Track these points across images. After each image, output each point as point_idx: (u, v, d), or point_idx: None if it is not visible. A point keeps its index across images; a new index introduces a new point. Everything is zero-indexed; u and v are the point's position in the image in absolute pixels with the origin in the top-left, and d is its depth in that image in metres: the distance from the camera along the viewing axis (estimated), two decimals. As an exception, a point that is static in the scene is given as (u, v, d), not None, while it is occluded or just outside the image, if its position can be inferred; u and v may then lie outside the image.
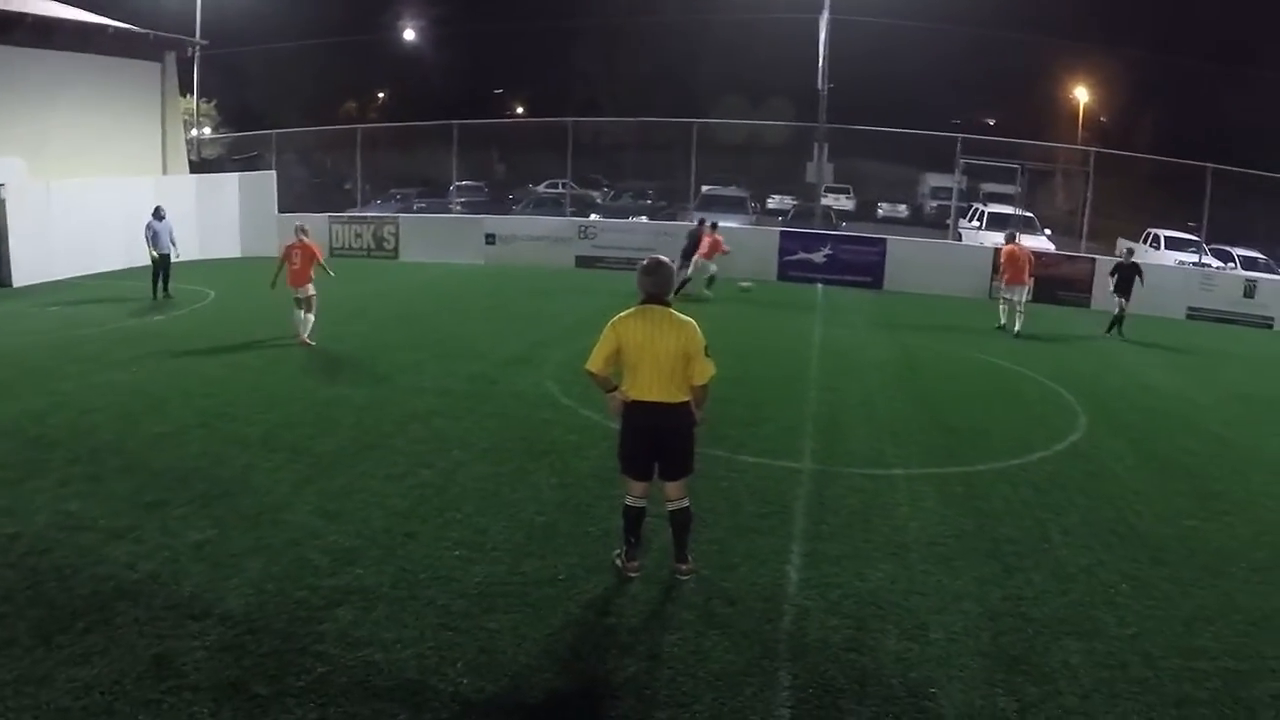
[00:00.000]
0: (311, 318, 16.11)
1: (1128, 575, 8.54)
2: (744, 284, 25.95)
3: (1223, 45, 50.44)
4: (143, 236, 20.85)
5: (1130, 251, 24.26)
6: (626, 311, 7.53)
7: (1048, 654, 6.96)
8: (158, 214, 20.94)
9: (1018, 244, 23.66)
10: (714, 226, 26.13)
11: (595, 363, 7.41)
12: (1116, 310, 23.15)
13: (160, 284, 20.82)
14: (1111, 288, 23.35)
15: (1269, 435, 14.13)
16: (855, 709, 6.10)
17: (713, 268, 25.45)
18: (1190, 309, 26.35)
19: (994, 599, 7.82)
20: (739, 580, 7.79)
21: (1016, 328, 22.05)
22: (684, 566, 7.68)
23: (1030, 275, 23.31)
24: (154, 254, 20.72)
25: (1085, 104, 59.89)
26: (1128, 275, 23.10)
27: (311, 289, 16.11)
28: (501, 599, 7.20)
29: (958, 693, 6.37)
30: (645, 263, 7.60)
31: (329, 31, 54.07)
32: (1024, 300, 22.63)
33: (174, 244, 21.14)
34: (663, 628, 6.99)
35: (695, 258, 25.08)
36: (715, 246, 25.41)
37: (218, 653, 6.21)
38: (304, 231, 16.83)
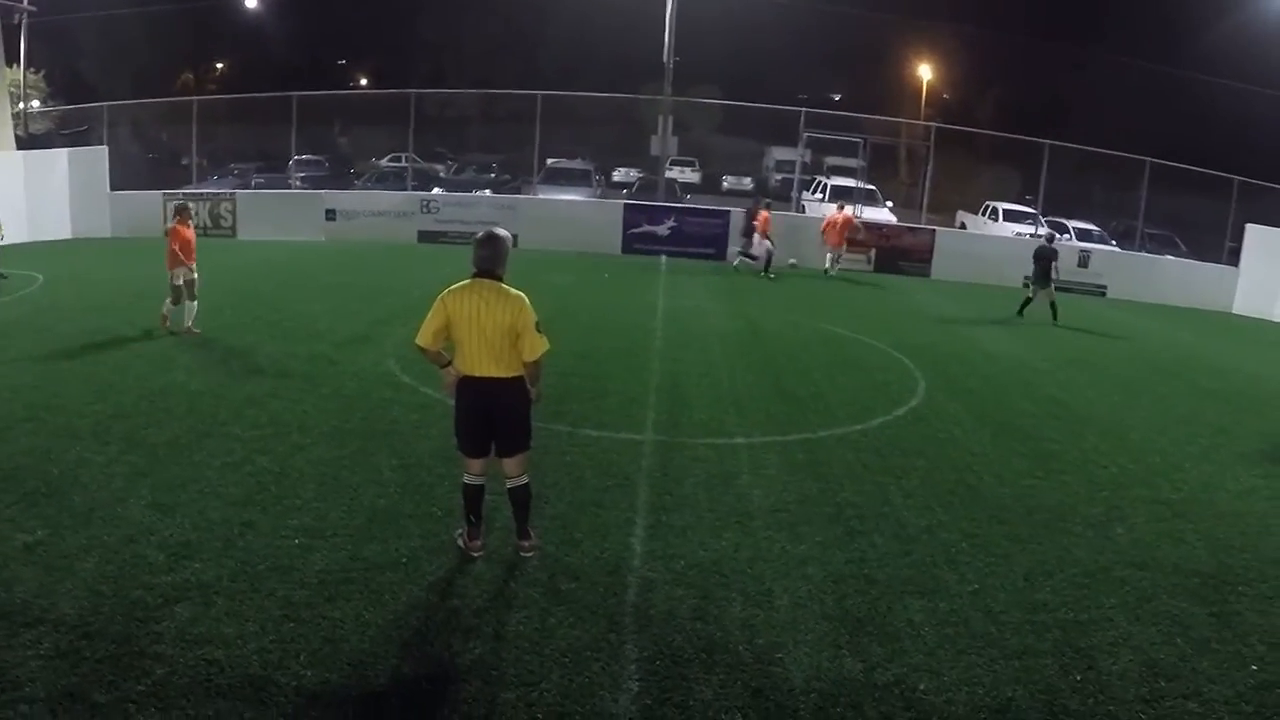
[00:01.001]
0: (195, 304, 15.60)
1: (968, 534, 8.90)
2: (792, 261, 26.57)
3: (1060, 24, 52.42)
4: None
5: (1052, 237, 24.01)
6: (456, 285, 7.46)
7: (892, 614, 7.20)
8: None
9: (840, 213, 27.44)
10: (768, 205, 27.20)
11: (424, 337, 7.34)
12: (1030, 294, 23.16)
13: None
14: (1031, 276, 23.42)
15: (1101, 397, 14.85)
16: (703, 677, 6.22)
17: (769, 245, 26.44)
18: (1026, 278, 27.40)
19: (838, 563, 8.05)
20: (583, 555, 7.87)
21: (833, 271, 27.16)
22: (526, 544, 7.70)
23: (843, 240, 27.40)
24: None
25: (929, 81, 61.46)
26: (1045, 262, 22.83)
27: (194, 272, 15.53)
28: (344, 586, 7.13)
29: (804, 656, 6.54)
30: (479, 235, 7.53)
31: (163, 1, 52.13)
32: (838, 258, 27.58)
33: None
34: (507, 606, 7.02)
35: (756, 236, 26.20)
36: (767, 224, 26.56)
37: (53, 660, 5.99)
38: (185, 212, 16.22)
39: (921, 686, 6.28)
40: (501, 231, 7.56)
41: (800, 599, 7.36)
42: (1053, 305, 22.57)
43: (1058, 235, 25.16)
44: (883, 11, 52.63)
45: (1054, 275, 22.85)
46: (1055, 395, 14.77)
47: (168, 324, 15.44)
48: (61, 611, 6.59)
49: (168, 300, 15.46)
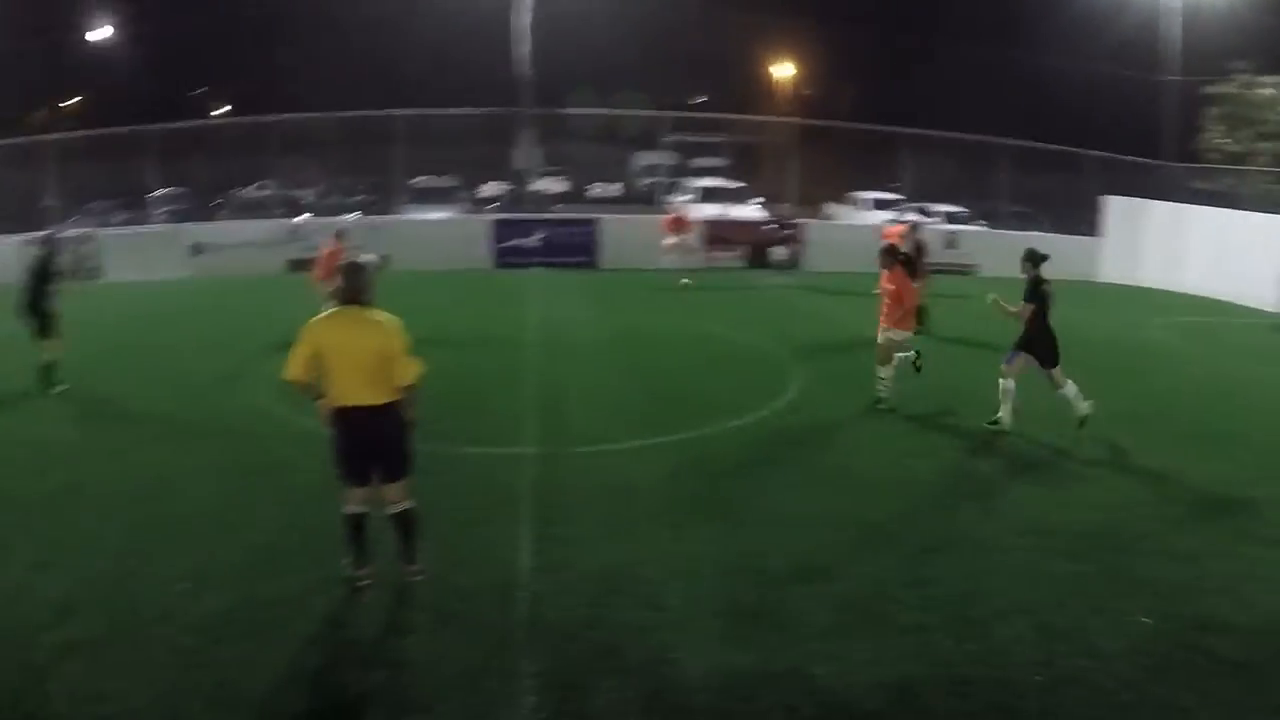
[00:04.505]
0: None
1: (852, 517, 9.15)
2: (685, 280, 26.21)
3: (908, 18, 53.87)
4: None
5: (915, 227, 21.12)
6: (322, 314, 7.47)
7: (784, 603, 7.39)
8: None
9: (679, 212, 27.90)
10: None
11: (293, 370, 7.29)
12: None
13: None
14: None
15: (975, 371, 15.13)
16: (599, 685, 6.33)
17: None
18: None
19: (728, 557, 8.23)
20: (471, 575, 7.91)
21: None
22: (413, 568, 7.71)
23: (684, 233, 27.26)
24: None
25: (789, 79, 62.46)
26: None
27: None
28: (234, 628, 7.06)
29: (698, 653, 6.68)
30: (342, 264, 7.60)
31: (8, 34, 50.38)
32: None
33: None
34: (399, 633, 7.07)
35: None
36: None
37: (-58, 729, 5.87)
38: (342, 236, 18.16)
39: (819, 671, 6.44)
40: (366, 258, 7.59)
41: (691, 597, 7.50)
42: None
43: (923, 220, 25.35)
44: (737, 12, 53.30)
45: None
46: (928, 374, 14.64)
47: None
48: (-57, 679, 6.42)
49: None
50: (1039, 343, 11.91)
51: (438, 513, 8.90)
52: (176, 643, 6.88)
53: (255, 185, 41.36)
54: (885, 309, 13.20)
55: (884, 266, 13.46)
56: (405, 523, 7.65)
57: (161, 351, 17.59)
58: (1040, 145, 33.29)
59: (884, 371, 13.14)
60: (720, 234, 31.15)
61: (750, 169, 40.47)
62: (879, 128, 34.61)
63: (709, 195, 35.28)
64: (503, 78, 36.79)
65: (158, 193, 36.22)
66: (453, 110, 37.80)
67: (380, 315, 7.37)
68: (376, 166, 36.94)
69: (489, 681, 6.38)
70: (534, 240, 30.63)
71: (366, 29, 57.69)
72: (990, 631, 7.00)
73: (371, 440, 7.40)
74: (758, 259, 30.99)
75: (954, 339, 18.52)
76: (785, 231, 31.60)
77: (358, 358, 7.20)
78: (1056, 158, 33.66)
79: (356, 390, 7.24)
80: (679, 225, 27.73)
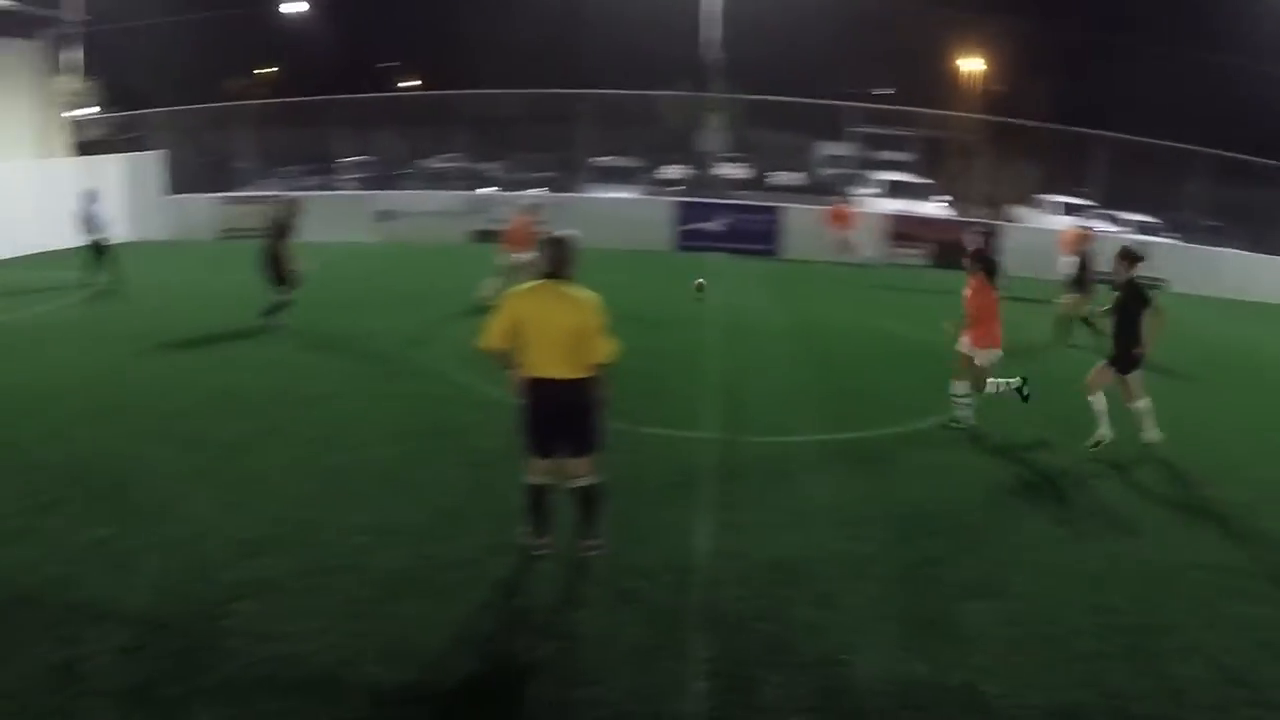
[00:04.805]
0: None
1: (1032, 533, 8.76)
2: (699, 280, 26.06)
3: (1111, 17, 51.77)
4: (78, 220, 20.01)
5: (1087, 236, 19.76)
6: (524, 285, 7.46)
7: (960, 616, 7.10)
8: (90, 196, 20.10)
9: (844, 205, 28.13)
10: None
11: (490, 338, 7.30)
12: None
13: (98, 268, 20.00)
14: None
15: (1164, 393, 14.49)
16: (769, 679, 6.16)
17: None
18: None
19: (903, 563, 7.96)
20: (648, 554, 7.81)
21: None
22: (592, 543, 7.65)
23: (846, 228, 27.47)
24: (93, 238, 19.90)
25: (980, 74, 60.86)
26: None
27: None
28: (410, 585, 7.13)
29: (872, 657, 6.47)
30: (546, 237, 7.55)
31: (214, 5, 52.64)
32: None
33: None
34: (574, 606, 7.01)
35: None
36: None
37: (122, 656, 6.04)
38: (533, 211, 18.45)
39: (991, 689, 6.19)
40: (569, 232, 7.52)
41: (867, 599, 7.29)
42: (1084, 320, 17.43)
43: (1116, 229, 24.19)
44: (930, 6, 52.20)
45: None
46: (1112, 392, 14.30)
47: None
48: (130, 607, 6.67)
49: None
50: (1122, 350, 11.20)
51: (617, 491, 8.78)
52: (353, 594, 6.97)
53: (441, 157, 42.25)
54: (968, 323, 11.87)
55: (968, 272, 12.14)
56: (588, 498, 7.60)
57: (351, 310, 18.02)
58: (1242, 157, 31.30)
59: (959, 388, 11.96)
60: (904, 230, 30.35)
61: (936, 165, 39.57)
62: (1071, 128, 33.24)
63: (894, 189, 34.59)
64: (690, 60, 36.73)
65: (347, 160, 37.23)
66: (639, 91, 37.96)
67: (581, 292, 7.33)
68: (560, 144, 37.30)
69: (660, 663, 6.28)
70: (716, 225, 30.38)
71: (553, 7, 58.32)
72: (1167, 668, 6.58)
73: (561, 414, 7.35)
74: (942, 258, 30.15)
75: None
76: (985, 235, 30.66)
77: (555, 332, 7.16)
78: (1260, 170, 31.46)
79: (551, 363, 7.21)
80: (841, 219, 27.24)
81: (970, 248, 12.66)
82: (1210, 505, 9.83)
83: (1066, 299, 17.78)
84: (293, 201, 17.51)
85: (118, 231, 25.49)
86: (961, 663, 6.46)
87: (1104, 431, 11.18)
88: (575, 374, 7.25)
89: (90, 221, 19.83)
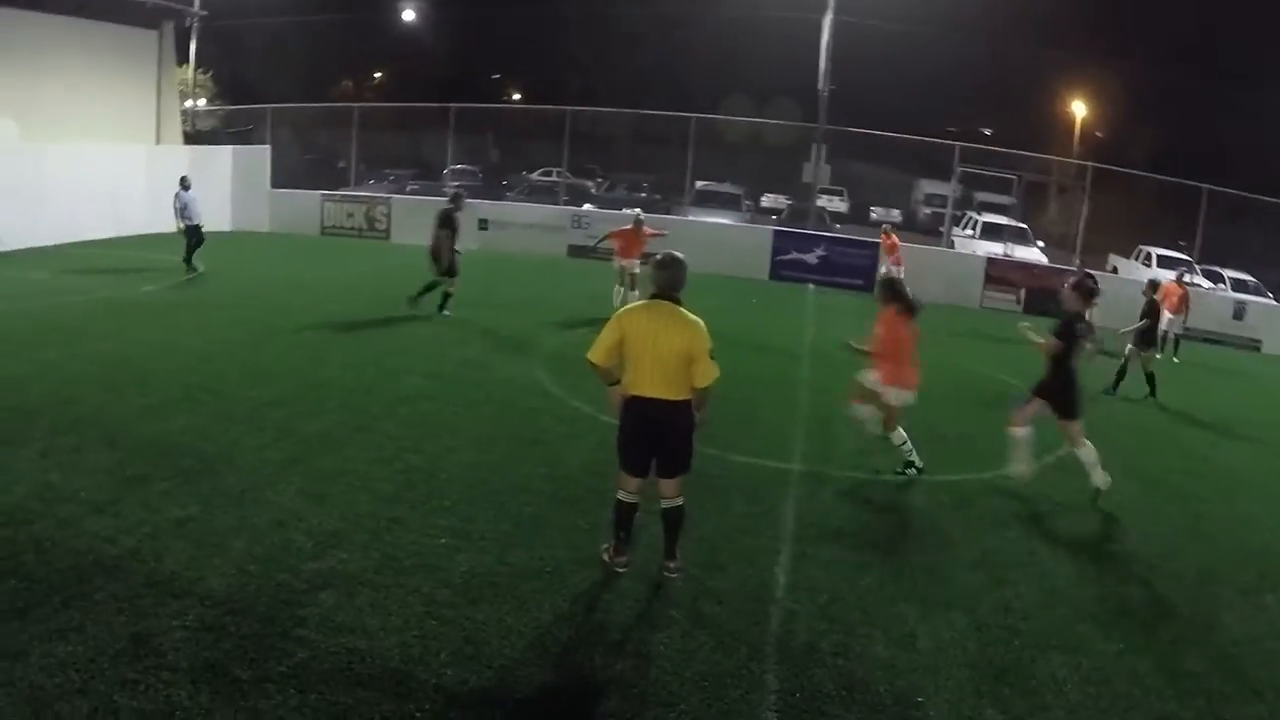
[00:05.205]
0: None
1: (1114, 591, 8.54)
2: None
3: (1222, 64, 50.56)
4: (171, 207, 20.56)
5: (1155, 285, 18.80)
6: (634, 304, 7.48)
7: (1035, 667, 6.95)
8: (185, 184, 20.62)
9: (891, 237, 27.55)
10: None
11: (597, 353, 7.32)
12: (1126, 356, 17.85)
13: (189, 254, 20.51)
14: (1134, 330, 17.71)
15: (1257, 460, 14.26)
16: (841, 715, 6.07)
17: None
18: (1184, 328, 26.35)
19: (982, 610, 7.79)
20: (727, 580, 7.73)
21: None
22: (673, 564, 7.60)
23: (893, 259, 26.42)
24: (186, 224, 20.43)
25: (1083, 118, 59.90)
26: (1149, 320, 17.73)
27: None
28: (488, 589, 7.11)
29: (945, 703, 6.35)
30: (659, 257, 7.55)
31: (329, 8, 53.70)
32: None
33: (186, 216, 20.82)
34: (650, 626, 6.92)
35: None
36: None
37: (197, 633, 6.10)
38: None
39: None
40: (680, 254, 7.50)
41: (943, 643, 7.14)
42: (1150, 377, 17.53)
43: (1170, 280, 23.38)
44: (1037, 46, 51.57)
45: (1158, 336, 18.32)
46: (1205, 454, 14.16)
47: None
48: (209, 586, 6.73)
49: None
50: (1057, 389, 10.68)
51: (702, 516, 8.78)
52: (431, 594, 6.97)
53: (541, 171, 42.63)
54: (874, 358, 11.08)
55: (879, 302, 11.28)
56: (675, 518, 7.57)
57: (443, 314, 18.08)
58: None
59: (894, 438, 11.06)
60: (999, 274, 29.87)
61: (1034, 208, 38.93)
62: (1175, 179, 32.37)
63: (989, 231, 34.07)
64: (795, 91, 36.66)
65: (451, 167, 37.70)
66: (745, 119, 37.98)
67: (690, 315, 7.33)
68: (661, 165, 37.41)
69: (734, 690, 6.19)
70: (813, 256, 30.15)
71: (660, 31, 58.63)
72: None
73: (660, 434, 7.36)
74: (1037, 303, 29.59)
75: (1227, 417, 17.12)
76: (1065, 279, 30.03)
77: (662, 353, 7.18)
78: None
79: (654, 383, 7.22)
80: (890, 249, 26.92)
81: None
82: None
83: (1136, 350, 17.54)
84: (457, 196, 18.42)
85: (219, 222, 26.15)
86: (1034, 715, 6.32)
87: (1022, 469, 10.90)
88: (677, 395, 7.25)
89: (184, 209, 20.33)
